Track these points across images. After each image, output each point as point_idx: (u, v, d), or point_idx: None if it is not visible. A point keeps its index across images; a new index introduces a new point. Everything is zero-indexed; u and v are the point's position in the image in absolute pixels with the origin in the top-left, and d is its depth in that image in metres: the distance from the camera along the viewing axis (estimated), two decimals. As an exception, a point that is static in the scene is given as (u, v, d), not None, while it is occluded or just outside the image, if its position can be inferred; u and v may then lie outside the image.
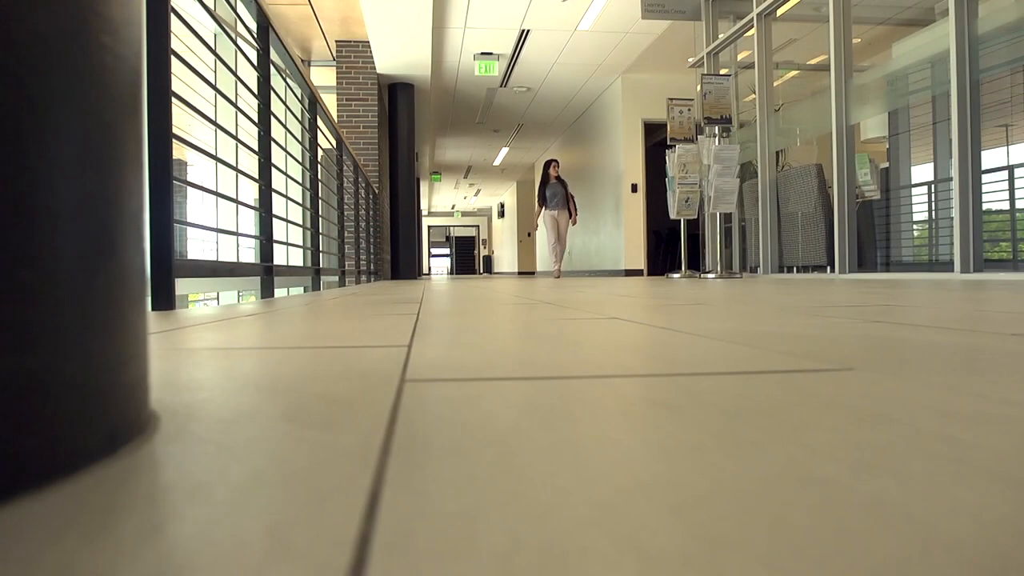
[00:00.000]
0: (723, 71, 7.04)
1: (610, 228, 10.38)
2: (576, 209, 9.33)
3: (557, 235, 9.18)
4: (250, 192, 5.73)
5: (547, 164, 9.24)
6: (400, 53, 7.96)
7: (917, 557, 0.23)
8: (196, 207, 6.77)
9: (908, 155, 5.66)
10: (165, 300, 1.77)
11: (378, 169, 8.60)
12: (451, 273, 28.34)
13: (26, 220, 0.33)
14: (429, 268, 29.24)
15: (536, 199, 9.28)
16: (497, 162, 16.74)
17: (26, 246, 0.33)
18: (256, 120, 2.80)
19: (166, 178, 1.76)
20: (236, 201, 2.77)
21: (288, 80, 3.94)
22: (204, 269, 2.13)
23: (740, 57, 6.97)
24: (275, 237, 2.92)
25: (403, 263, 9.20)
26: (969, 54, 3.98)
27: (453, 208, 28.03)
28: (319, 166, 4.35)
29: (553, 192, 9.18)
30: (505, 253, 24.40)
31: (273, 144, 2.92)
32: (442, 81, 9.78)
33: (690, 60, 7.70)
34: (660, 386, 0.58)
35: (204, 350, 0.90)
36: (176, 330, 1.20)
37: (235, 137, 2.60)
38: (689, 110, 6.64)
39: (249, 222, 6.00)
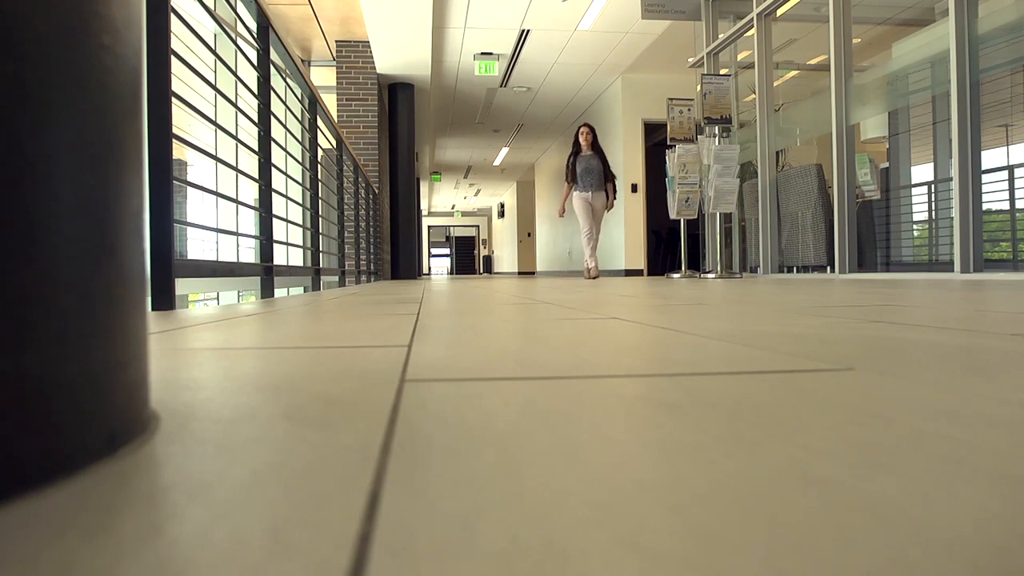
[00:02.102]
0: (723, 71, 7.04)
1: (610, 228, 10.38)
2: (615, 191, 7.17)
3: (592, 222, 7.00)
4: (250, 192, 5.73)
5: (578, 130, 7.09)
6: (400, 53, 7.96)
7: (917, 557, 0.23)
8: (196, 207, 6.77)
9: (908, 155, 5.66)
10: (165, 300, 1.77)
11: (378, 169, 8.61)
12: (451, 273, 28.34)
13: (26, 220, 0.33)
14: (429, 268, 29.25)
15: (565, 174, 7.13)
16: (497, 162, 16.75)
17: (26, 246, 0.33)
18: (256, 120, 2.80)
19: (166, 178, 1.76)
20: (236, 201, 2.78)
21: (288, 80, 3.94)
22: (204, 269, 2.13)
23: (740, 57, 6.97)
24: (275, 237, 2.92)
25: (403, 263, 9.20)
26: (969, 54, 3.98)
27: (453, 208, 28.03)
28: (319, 166, 4.35)
29: (587, 168, 6.91)
30: (505, 253, 24.41)
31: (273, 144, 2.92)
32: (442, 81, 9.78)
33: (690, 60, 7.70)
34: (660, 386, 0.58)
35: (204, 350, 0.90)
36: (176, 330, 1.20)
37: (235, 137, 2.60)
38: (689, 110, 6.64)
39: (249, 222, 6.00)
